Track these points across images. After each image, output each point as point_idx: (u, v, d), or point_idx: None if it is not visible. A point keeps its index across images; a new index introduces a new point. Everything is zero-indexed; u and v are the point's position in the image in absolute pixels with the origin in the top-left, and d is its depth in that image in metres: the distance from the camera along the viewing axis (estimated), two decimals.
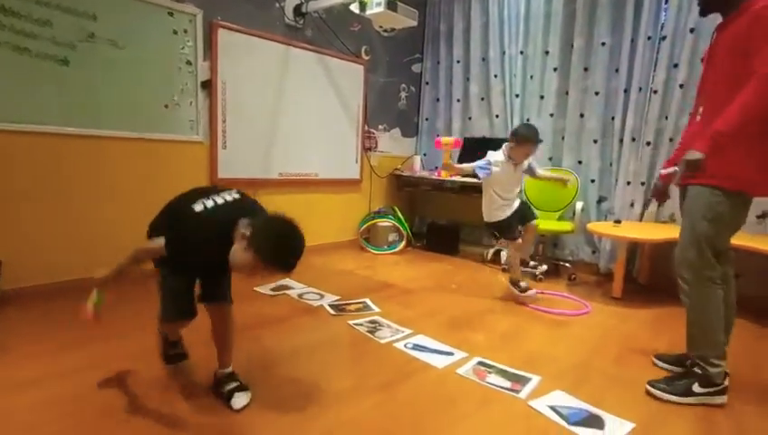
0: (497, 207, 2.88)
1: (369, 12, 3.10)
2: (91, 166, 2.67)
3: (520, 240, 2.94)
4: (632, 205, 3.49)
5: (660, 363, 2.05)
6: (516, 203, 2.92)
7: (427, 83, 4.83)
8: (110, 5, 2.63)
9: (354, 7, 3.16)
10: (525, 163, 2.86)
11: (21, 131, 2.41)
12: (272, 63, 3.50)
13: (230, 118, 3.27)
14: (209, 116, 3.17)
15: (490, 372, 1.94)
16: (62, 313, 2.33)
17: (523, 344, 2.29)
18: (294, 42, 3.61)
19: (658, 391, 1.78)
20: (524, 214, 2.96)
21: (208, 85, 3.12)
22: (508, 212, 2.88)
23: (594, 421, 1.61)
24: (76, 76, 2.55)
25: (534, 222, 2.98)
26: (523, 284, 2.92)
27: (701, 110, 1.79)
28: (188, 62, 3.00)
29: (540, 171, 3.00)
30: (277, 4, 3.49)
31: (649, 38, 3.32)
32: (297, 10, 3.59)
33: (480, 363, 2.01)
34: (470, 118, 4.50)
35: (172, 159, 3.02)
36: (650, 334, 2.50)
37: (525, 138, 2.72)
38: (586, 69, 3.70)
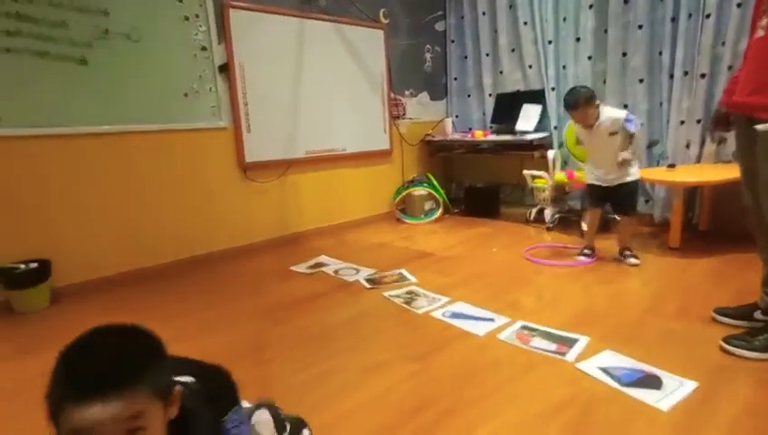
0: (587, 169, 2.74)
1: None
2: (120, 161, 2.73)
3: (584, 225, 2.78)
4: (688, 146, 3.17)
5: (721, 318, 1.85)
6: (610, 177, 2.58)
7: (453, 41, 4.58)
8: None
9: None
10: (605, 127, 2.50)
11: (51, 135, 2.49)
12: (288, 39, 3.41)
13: (252, 100, 3.24)
14: (230, 100, 3.15)
15: (534, 336, 1.83)
16: (115, 304, 2.44)
17: (570, 304, 2.15)
18: (309, 13, 3.50)
19: (737, 349, 1.59)
20: (618, 202, 2.69)
21: (226, 69, 3.09)
22: (595, 180, 2.67)
23: (650, 381, 1.47)
24: (95, 74, 2.58)
25: (624, 218, 2.70)
26: (586, 251, 2.79)
27: (764, 22, 1.53)
28: (203, 48, 2.98)
29: (625, 154, 2.47)
30: None
31: None
32: None
33: (523, 327, 1.91)
34: (501, 72, 4.24)
35: (198, 148, 3.04)
36: (713, 285, 2.28)
37: (566, 106, 2.55)
38: (626, 1, 3.34)
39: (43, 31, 2.40)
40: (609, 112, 2.52)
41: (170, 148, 2.92)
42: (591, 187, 2.73)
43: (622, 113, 2.52)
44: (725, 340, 1.63)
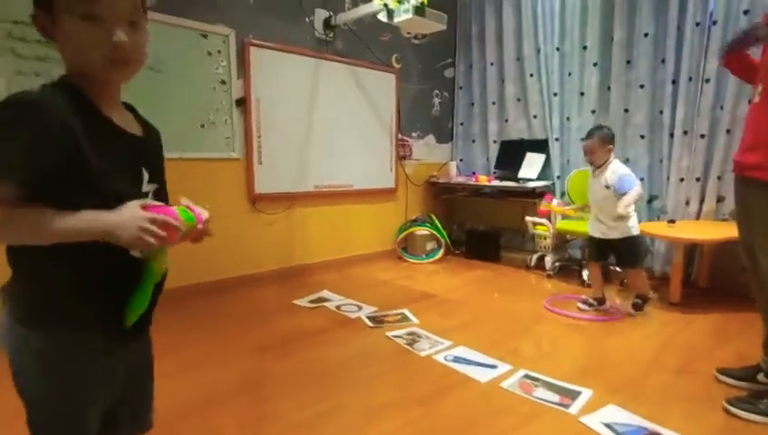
0: (590, 222, 2.77)
1: (396, 19, 3.08)
2: None
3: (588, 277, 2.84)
4: (687, 203, 3.24)
5: (725, 378, 1.85)
6: (612, 233, 2.58)
7: (461, 88, 4.74)
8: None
9: (382, 16, 3.14)
10: (604, 177, 2.54)
11: None
12: (304, 77, 3.54)
13: (265, 133, 3.33)
14: (245, 132, 3.23)
15: (537, 386, 1.82)
16: None
17: (571, 355, 2.16)
18: (325, 55, 3.65)
19: (743, 412, 1.59)
20: (620, 256, 2.70)
21: (243, 103, 3.19)
22: (594, 232, 2.70)
23: None
24: None
25: (634, 270, 2.70)
26: (592, 302, 2.79)
27: (760, 89, 1.63)
28: (223, 82, 3.08)
29: (622, 203, 2.44)
30: (307, 19, 3.53)
31: (698, 24, 3.10)
32: (327, 23, 3.62)
33: (526, 376, 1.90)
34: (506, 120, 4.38)
35: (210, 177, 3.09)
36: (714, 343, 2.29)
37: (587, 135, 2.64)
38: (628, 62, 3.50)
39: None
40: (615, 166, 2.58)
41: (184, 175, 2.95)
42: (592, 240, 2.75)
43: (623, 171, 2.56)
44: (729, 402, 1.63)
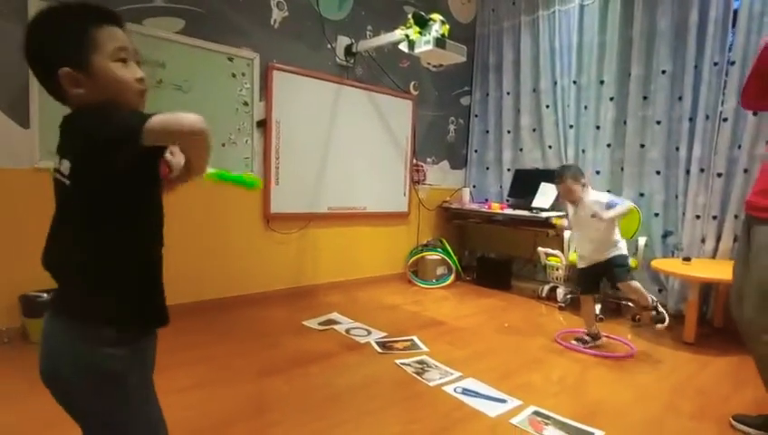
0: (578, 255, 2.76)
1: (417, 50, 3.14)
2: None
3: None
4: (703, 241, 3.22)
5: (740, 426, 1.80)
6: (599, 256, 2.60)
7: (476, 116, 4.80)
8: (177, 54, 2.84)
9: (403, 46, 3.22)
10: (588, 208, 2.53)
11: None
12: (323, 102, 3.62)
13: (283, 154, 3.39)
14: (263, 153, 3.30)
15: (548, 424, 1.80)
16: None
17: (583, 393, 2.12)
18: (345, 80, 3.73)
19: None
20: (612, 274, 2.63)
21: (263, 124, 3.26)
22: (581, 263, 2.71)
23: None
24: None
25: (624, 284, 2.60)
26: (586, 338, 2.74)
27: None
28: (245, 103, 3.17)
29: (606, 214, 2.47)
30: (329, 45, 3.63)
31: (716, 64, 3.13)
32: (348, 50, 3.71)
33: (536, 413, 1.87)
34: (521, 149, 4.40)
35: (228, 195, 3.14)
36: (731, 387, 2.24)
37: (554, 178, 2.67)
38: (645, 97, 3.53)
39: None
40: (595, 196, 2.59)
41: (200, 191, 3.02)
42: (582, 271, 2.71)
43: (605, 198, 2.57)
44: None
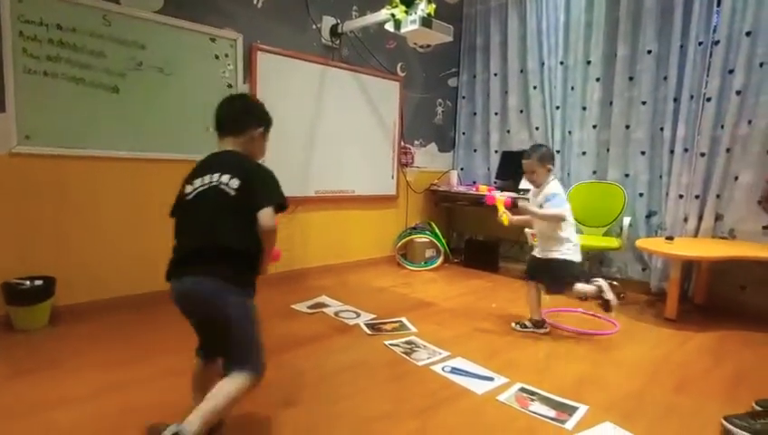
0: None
1: (403, 30, 3.10)
2: (138, 186, 2.79)
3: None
4: (686, 220, 3.27)
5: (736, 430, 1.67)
6: (543, 254, 2.48)
7: (464, 97, 4.78)
8: (157, 35, 2.77)
9: (389, 26, 3.17)
10: (541, 197, 2.45)
11: (75, 156, 2.56)
12: (309, 83, 3.56)
13: (269, 137, 3.33)
14: None
15: (533, 400, 1.83)
16: (113, 328, 2.42)
17: (568, 370, 2.17)
18: (331, 61, 3.67)
19: (739, 430, 1.59)
20: (544, 278, 2.52)
21: None
22: (535, 251, 2.58)
23: None
24: (125, 103, 2.68)
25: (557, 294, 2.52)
26: (528, 323, 2.64)
27: None
28: (229, 85, 3.10)
29: (531, 207, 2.44)
30: (314, 26, 3.56)
31: (701, 43, 3.14)
32: (333, 30, 3.65)
33: (522, 390, 1.91)
34: (508, 131, 4.41)
35: None
36: (712, 361, 2.31)
37: (523, 154, 2.52)
38: (631, 78, 3.54)
39: (82, 58, 2.51)
40: (552, 187, 2.44)
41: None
42: (533, 258, 2.60)
43: (555, 190, 2.43)
44: (727, 419, 1.65)
